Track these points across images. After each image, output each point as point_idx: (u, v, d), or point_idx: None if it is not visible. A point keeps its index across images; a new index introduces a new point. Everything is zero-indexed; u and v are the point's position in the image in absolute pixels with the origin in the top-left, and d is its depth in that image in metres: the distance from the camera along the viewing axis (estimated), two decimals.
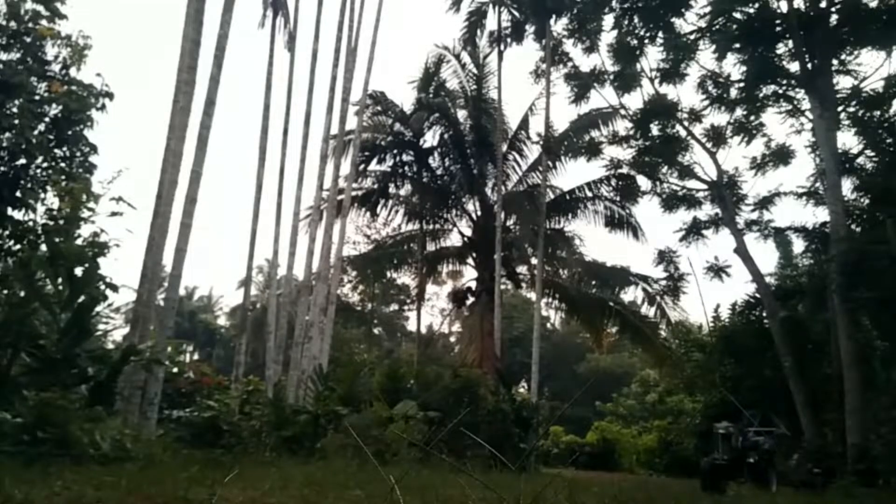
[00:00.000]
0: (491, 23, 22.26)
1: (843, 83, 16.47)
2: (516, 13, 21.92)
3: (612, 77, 19.83)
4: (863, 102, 16.22)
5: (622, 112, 20.52)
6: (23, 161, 9.91)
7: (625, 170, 21.49)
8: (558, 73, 21.32)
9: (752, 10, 16.52)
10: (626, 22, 18.67)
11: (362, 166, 23.44)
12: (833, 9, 15.70)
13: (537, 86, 22.43)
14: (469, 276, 26.56)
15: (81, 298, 8.76)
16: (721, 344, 20.07)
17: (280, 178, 18.92)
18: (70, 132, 10.49)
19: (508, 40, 21.97)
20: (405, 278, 32.26)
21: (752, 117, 19.00)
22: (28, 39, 10.54)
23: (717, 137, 19.41)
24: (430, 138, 24.20)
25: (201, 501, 4.31)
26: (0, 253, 9.96)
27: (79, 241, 9.28)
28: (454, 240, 26.34)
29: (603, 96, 20.67)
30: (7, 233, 9.93)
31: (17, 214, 10.08)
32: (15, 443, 6.43)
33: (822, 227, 17.22)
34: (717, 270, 19.52)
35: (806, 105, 17.03)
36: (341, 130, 18.52)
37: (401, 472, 4.72)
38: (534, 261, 22.98)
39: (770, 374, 17.29)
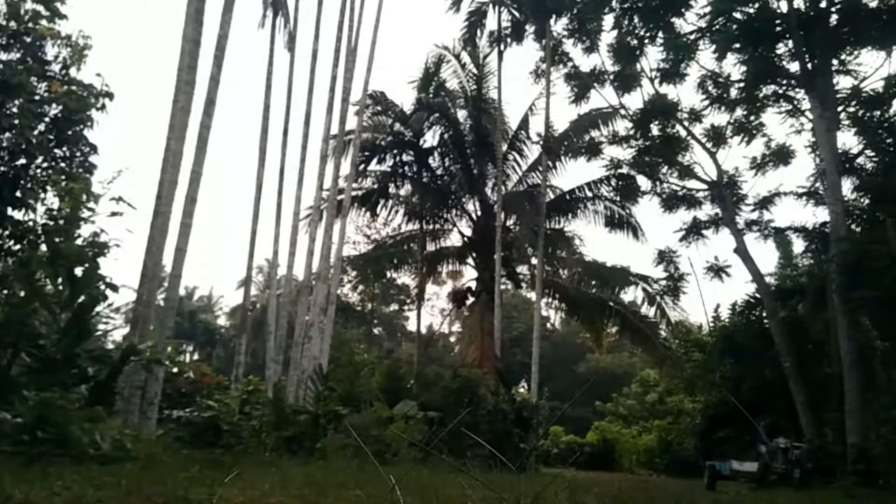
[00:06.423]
0: (491, 23, 22.26)
1: (843, 83, 16.53)
2: (516, 13, 21.89)
3: (612, 77, 19.84)
4: (863, 102, 16.23)
5: (622, 112, 20.55)
6: (23, 161, 9.91)
7: (625, 170, 21.53)
8: (558, 73, 21.37)
9: (752, 10, 16.53)
10: (626, 22, 18.70)
11: (362, 166, 23.43)
12: (833, 9, 15.70)
13: (537, 86, 22.48)
14: (469, 276, 26.56)
15: (81, 298, 8.76)
16: (721, 344, 20.07)
17: (280, 178, 18.96)
18: (70, 132, 10.48)
19: (508, 40, 21.94)
20: (405, 278, 32.23)
21: (752, 117, 19.03)
22: (28, 39, 10.53)
23: (717, 137, 19.44)
24: (430, 138, 24.23)
25: (201, 501, 4.31)
26: (0, 253, 9.96)
27: (79, 241, 9.26)
28: (454, 240, 26.34)
29: (603, 96, 20.72)
30: (7, 233, 9.92)
31: (17, 214, 10.06)
32: (15, 443, 6.42)
33: (822, 227, 17.22)
34: (717, 270, 19.55)
35: (806, 105, 17.04)
36: (341, 130, 18.51)
37: (401, 472, 4.72)
38: (534, 261, 22.98)
39: (770, 374, 17.29)
